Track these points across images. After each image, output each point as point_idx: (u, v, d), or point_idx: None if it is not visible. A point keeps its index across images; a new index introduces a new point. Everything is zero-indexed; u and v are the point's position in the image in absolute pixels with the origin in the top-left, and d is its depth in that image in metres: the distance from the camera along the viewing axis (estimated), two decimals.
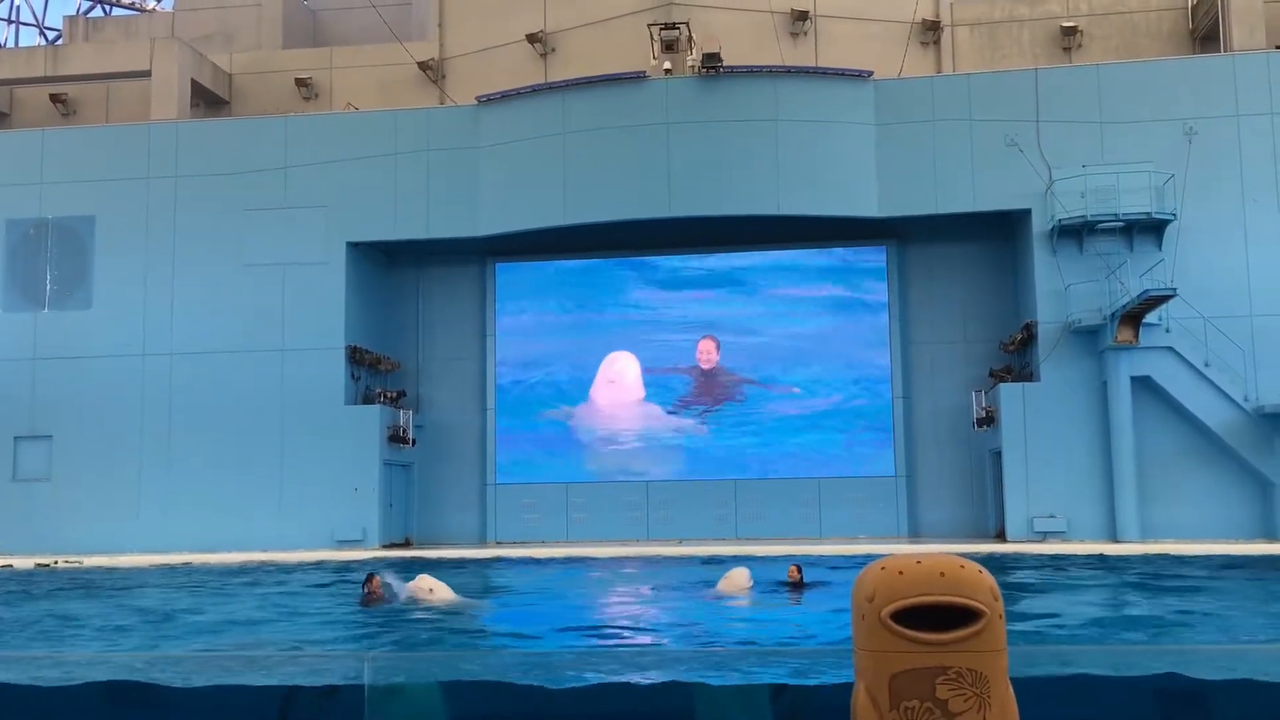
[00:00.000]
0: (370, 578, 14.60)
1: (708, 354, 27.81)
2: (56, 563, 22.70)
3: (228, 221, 27.17)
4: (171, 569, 21.45)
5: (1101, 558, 20.64)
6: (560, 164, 26.22)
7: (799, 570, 15.23)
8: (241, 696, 5.05)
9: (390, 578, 14.88)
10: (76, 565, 22.49)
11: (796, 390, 27.48)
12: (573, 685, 4.98)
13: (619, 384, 27.94)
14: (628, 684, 4.99)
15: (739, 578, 14.86)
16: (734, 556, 20.58)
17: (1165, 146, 24.72)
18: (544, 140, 26.45)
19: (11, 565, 22.57)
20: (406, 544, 27.20)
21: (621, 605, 15.71)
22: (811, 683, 4.80)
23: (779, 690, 4.78)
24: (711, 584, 15.36)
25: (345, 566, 20.89)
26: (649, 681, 4.97)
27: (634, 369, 27.93)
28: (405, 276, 29.32)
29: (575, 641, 11.46)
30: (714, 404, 27.77)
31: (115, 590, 17.67)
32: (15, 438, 27.18)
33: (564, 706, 4.83)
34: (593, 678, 5.11)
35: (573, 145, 26.23)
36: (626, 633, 12.33)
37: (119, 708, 5.09)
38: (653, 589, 17.59)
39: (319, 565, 21.77)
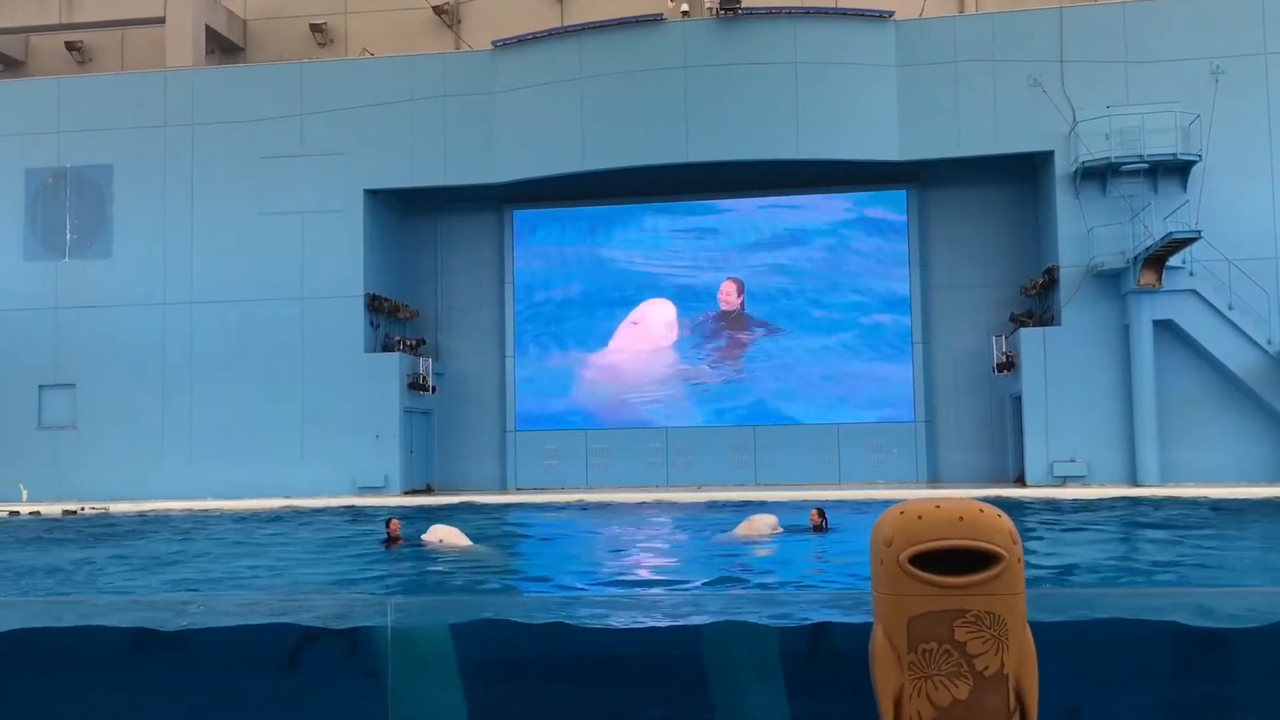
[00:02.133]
0: (389, 522, 14.81)
1: (729, 295, 27.72)
2: (83, 509, 23.00)
3: (245, 170, 27.15)
4: (203, 514, 21.70)
5: (1122, 500, 20.62)
6: (577, 109, 26.02)
7: (820, 514, 15.28)
8: (264, 636, 5.11)
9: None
10: (103, 511, 22.78)
11: (813, 335, 27.40)
12: (584, 625, 5.02)
13: (646, 327, 27.89)
14: (637, 628, 5.02)
15: (760, 523, 14.92)
16: (758, 502, 20.67)
17: (1191, 86, 24.33)
18: (561, 85, 26.24)
19: (39, 512, 22.88)
20: (428, 490, 27.42)
21: (636, 549, 15.81)
22: (830, 620, 4.82)
23: (802, 632, 4.81)
24: (728, 529, 15.45)
25: (362, 513, 21.09)
26: (657, 624, 5.00)
27: (666, 314, 27.86)
28: (423, 224, 29.28)
29: (589, 586, 11.55)
30: (734, 349, 27.73)
31: (140, 535, 17.90)
32: (40, 386, 27.44)
33: (575, 647, 4.87)
34: (604, 621, 5.15)
35: (590, 90, 26.01)
36: (639, 577, 12.42)
37: (144, 651, 5.17)
38: (670, 533, 17.69)
39: (346, 510, 21.98)
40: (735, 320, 27.73)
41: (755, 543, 14.49)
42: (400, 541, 14.47)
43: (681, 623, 5.04)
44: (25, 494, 25.83)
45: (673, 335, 27.94)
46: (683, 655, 4.70)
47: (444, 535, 14.06)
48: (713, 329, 27.83)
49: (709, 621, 4.95)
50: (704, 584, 11.38)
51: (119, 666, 5.13)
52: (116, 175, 27.63)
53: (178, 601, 8.10)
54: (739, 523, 15.31)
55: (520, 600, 9.00)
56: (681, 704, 4.65)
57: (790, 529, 15.15)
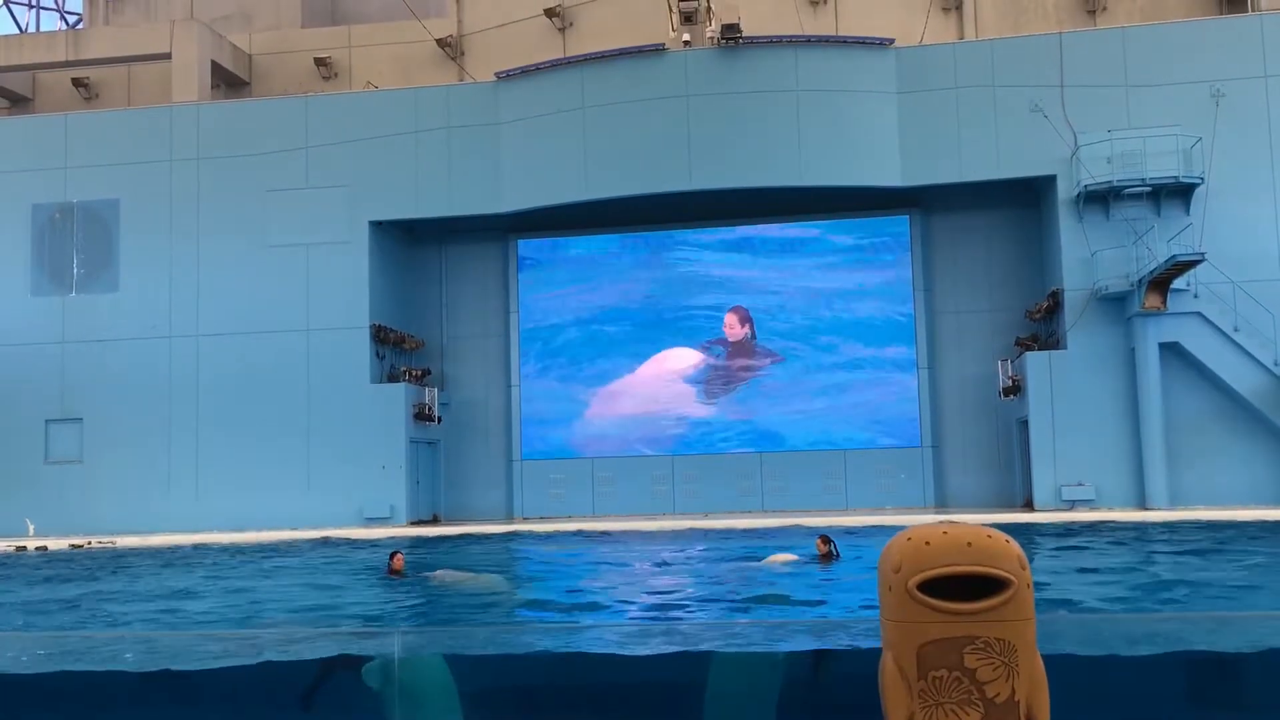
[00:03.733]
0: (393, 555, 14.82)
1: (733, 326, 27.74)
2: (90, 543, 22.97)
3: (250, 202, 27.28)
4: (205, 547, 21.67)
5: (1131, 525, 20.53)
6: (580, 139, 26.15)
7: (827, 542, 15.23)
8: (272, 671, 5.10)
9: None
10: (110, 546, 22.74)
11: (819, 359, 27.39)
12: (591, 651, 5.00)
13: (657, 363, 27.87)
14: (641, 656, 5.01)
15: (778, 559, 14.91)
16: (760, 529, 20.61)
17: (1192, 109, 24.40)
18: (564, 115, 26.38)
19: (46, 546, 22.85)
20: (434, 521, 27.37)
21: (642, 578, 15.76)
22: (837, 648, 4.80)
23: (806, 657, 4.79)
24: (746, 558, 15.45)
25: (356, 545, 21.05)
26: (660, 652, 4.99)
27: (680, 355, 27.85)
28: (428, 255, 29.38)
29: (594, 614, 11.51)
30: (739, 377, 27.72)
31: (150, 569, 17.87)
32: (47, 420, 27.49)
33: (580, 676, 4.86)
34: (608, 649, 5.14)
35: (592, 120, 26.14)
36: (645, 605, 12.37)
37: (152, 689, 5.16)
38: (677, 562, 17.63)
39: (351, 543, 21.94)
40: (743, 349, 27.73)
41: (767, 571, 14.45)
42: (403, 572, 14.48)
43: (684, 649, 5.02)
44: (32, 528, 25.81)
45: (680, 368, 27.93)
46: (684, 682, 4.68)
47: (442, 579, 14.10)
48: (719, 358, 27.82)
49: (710, 649, 4.93)
50: (706, 612, 11.34)
51: (126, 703, 5.12)
52: (123, 210, 27.78)
53: (185, 636, 8.08)
54: (750, 554, 15.29)
55: (524, 629, 8.97)
56: None
57: (812, 559, 15.08)
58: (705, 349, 27.84)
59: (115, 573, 17.30)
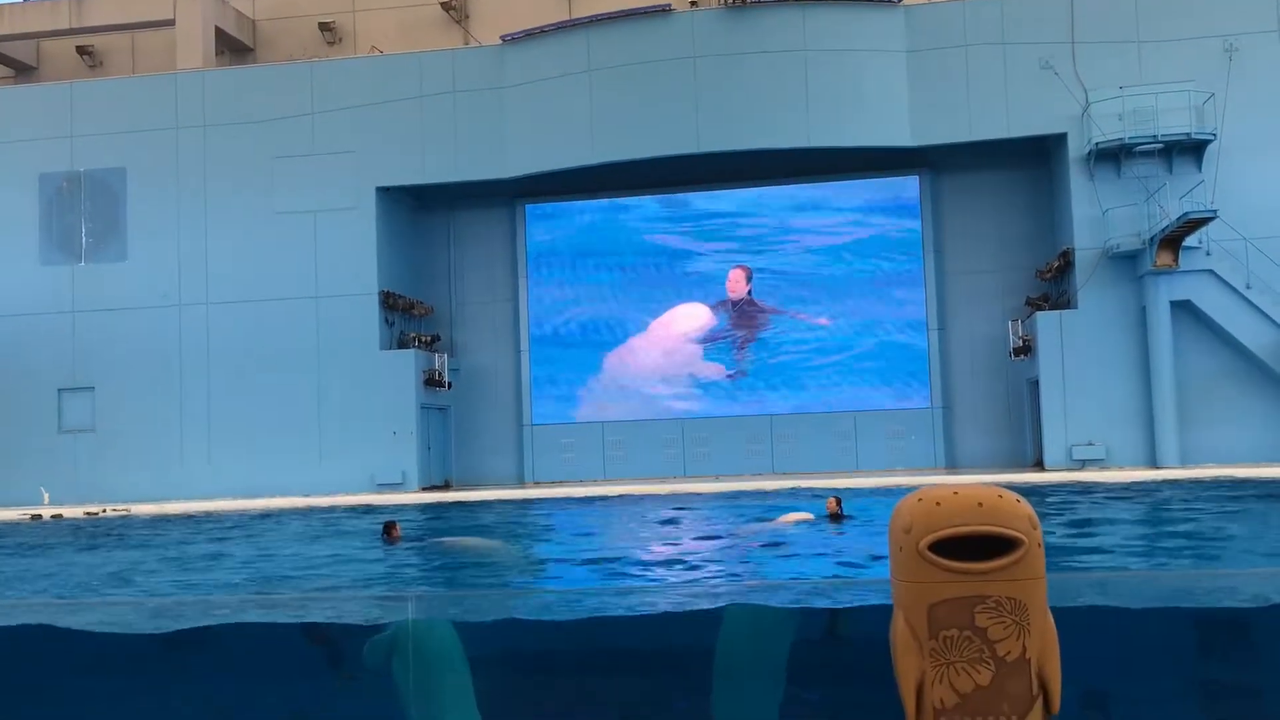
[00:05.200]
0: (390, 524, 14.83)
1: (737, 283, 27.66)
2: (104, 511, 23.13)
3: (257, 170, 27.24)
4: (215, 515, 21.81)
5: (1142, 484, 20.52)
6: (587, 102, 26.00)
7: (838, 502, 15.26)
8: (286, 634, 5.13)
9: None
10: (125, 513, 22.90)
11: (828, 322, 27.35)
12: (598, 617, 5.02)
13: (666, 325, 27.86)
14: (650, 615, 5.03)
15: (792, 517, 14.95)
16: (776, 491, 20.65)
17: (1205, 64, 24.15)
18: (570, 79, 26.21)
19: (61, 515, 23.02)
20: (446, 486, 27.49)
21: (652, 540, 15.82)
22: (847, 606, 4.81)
23: (820, 616, 4.80)
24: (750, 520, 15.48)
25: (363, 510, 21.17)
26: (669, 611, 5.00)
27: (690, 312, 27.81)
28: (435, 221, 29.32)
29: (606, 577, 11.56)
30: (747, 338, 27.69)
31: (174, 536, 18.00)
32: (59, 390, 27.62)
33: (589, 640, 4.88)
34: (618, 612, 5.15)
35: (599, 83, 25.98)
36: (655, 567, 12.42)
37: (167, 650, 5.20)
38: (689, 524, 17.70)
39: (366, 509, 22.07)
40: (746, 308, 27.67)
41: (776, 532, 14.49)
42: (399, 539, 14.51)
43: (694, 608, 5.04)
44: (46, 497, 25.99)
45: (689, 329, 27.91)
46: (696, 644, 4.70)
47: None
48: (727, 319, 27.79)
49: (717, 606, 4.94)
50: (716, 573, 11.38)
51: (143, 665, 5.16)
52: (130, 178, 27.76)
53: (199, 601, 8.14)
54: (763, 515, 15.33)
55: (536, 594, 9.01)
56: (698, 692, 4.65)
57: (822, 518, 15.13)
58: (716, 309, 27.78)
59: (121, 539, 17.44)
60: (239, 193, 27.29)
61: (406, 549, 14.33)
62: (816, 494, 18.51)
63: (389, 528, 14.75)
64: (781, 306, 27.59)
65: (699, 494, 22.49)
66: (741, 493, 21.69)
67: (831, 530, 14.67)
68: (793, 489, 21.55)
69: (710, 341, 27.82)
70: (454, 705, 4.71)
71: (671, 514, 18.67)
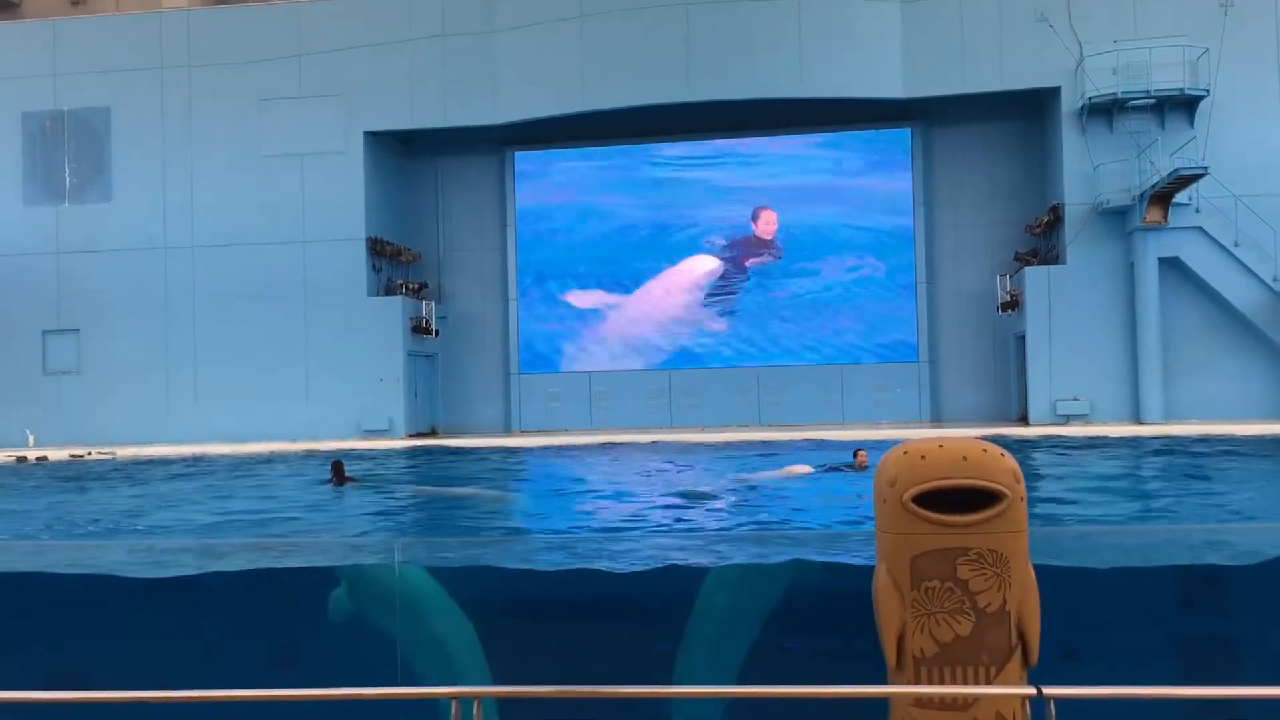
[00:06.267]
0: (336, 465, 14.66)
1: (768, 224, 27.52)
2: (90, 453, 23.13)
3: (244, 112, 26.94)
4: (203, 459, 21.82)
5: (1125, 439, 20.67)
6: (577, 48, 25.73)
7: (866, 455, 15.21)
8: (274, 578, 5.16)
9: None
10: (109, 456, 22.91)
11: (817, 273, 27.32)
12: (583, 569, 5.05)
13: (663, 282, 27.81)
14: (632, 571, 5.06)
15: (794, 470, 15.00)
16: (758, 442, 20.72)
17: (1200, 19, 24.00)
18: (560, 24, 25.91)
19: (46, 457, 23.02)
20: (433, 433, 27.54)
21: (633, 491, 15.86)
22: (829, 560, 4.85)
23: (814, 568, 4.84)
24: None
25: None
26: (656, 565, 5.03)
27: (683, 276, 27.74)
28: (423, 167, 29.10)
29: (586, 527, 11.61)
30: (737, 289, 27.65)
31: (163, 479, 18.01)
32: (44, 331, 27.48)
33: (570, 590, 4.91)
34: (601, 562, 5.18)
35: (590, 28, 25.69)
36: (638, 518, 12.47)
37: (157, 593, 5.22)
38: (680, 473, 17.76)
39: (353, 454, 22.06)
40: (754, 244, 27.55)
41: (778, 482, 14.55)
42: (350, 480, 14.36)
43: (681, 563, 5.07)
44: (31, 439, 25.96)
45: (680, 282, 27.84)
46: (678, 595, 4.74)
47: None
48: (722, 269, 27.72)
49: (706, 564, 4.97)
50: (710, 522, 11.44)
51: (134, 608, 5.19)
52: (114, 118, 27.43)
53: (187, 545, 8.16)
54: (757, 465, 15.37)
55: (518, 541, 9.05)
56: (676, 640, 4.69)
57: (832, 469, 15.17)
58: (717, 251, 27.68)
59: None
60: (225, 135, 27.01)
61: (357, 491, 14.15)
62: (796, 447, 18.55)
63: (336, 468, 14.47)
64: (769, 258, 27.54)
65: (690, 444, 22.56)
66: (730, 444, 21.74)
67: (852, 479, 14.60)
68: (780, 440, 21.62)
69: (699, 294, 27.77)
70: (444, 644, 4.76)
71: (660, 465, 18.72)
